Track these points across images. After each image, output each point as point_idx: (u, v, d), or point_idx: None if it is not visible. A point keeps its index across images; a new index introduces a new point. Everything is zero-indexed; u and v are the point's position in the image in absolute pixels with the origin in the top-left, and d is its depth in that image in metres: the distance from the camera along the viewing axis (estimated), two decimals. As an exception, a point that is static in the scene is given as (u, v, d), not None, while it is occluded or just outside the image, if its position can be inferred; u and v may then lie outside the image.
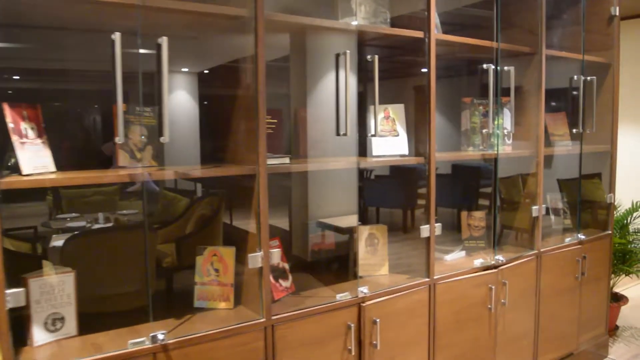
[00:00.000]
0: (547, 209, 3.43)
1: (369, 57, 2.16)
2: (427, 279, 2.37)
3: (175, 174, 1.79)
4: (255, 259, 1.84)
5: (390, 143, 2.41)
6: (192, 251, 2.05)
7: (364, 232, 2.48)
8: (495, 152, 2.87)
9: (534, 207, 2.88)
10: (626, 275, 3.92)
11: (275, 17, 1.89)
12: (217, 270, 1.97)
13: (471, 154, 2.82)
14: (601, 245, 3.42)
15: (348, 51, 2.10)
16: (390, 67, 2.88)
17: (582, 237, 3.21)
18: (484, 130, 2.80)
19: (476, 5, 3.09)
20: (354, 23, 2.22)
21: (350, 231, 2.58)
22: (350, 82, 2.12)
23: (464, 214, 2.98)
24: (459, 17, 3.14)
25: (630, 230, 4.07)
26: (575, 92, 3.18)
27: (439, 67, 2.77)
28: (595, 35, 3.40)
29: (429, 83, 2.31)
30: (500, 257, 2.69)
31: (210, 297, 1.97)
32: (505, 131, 2.90)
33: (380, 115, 2.44)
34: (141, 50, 1.62)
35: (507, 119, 2.94)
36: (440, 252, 2.76)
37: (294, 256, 2.71)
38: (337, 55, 2.14)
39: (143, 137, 1.81)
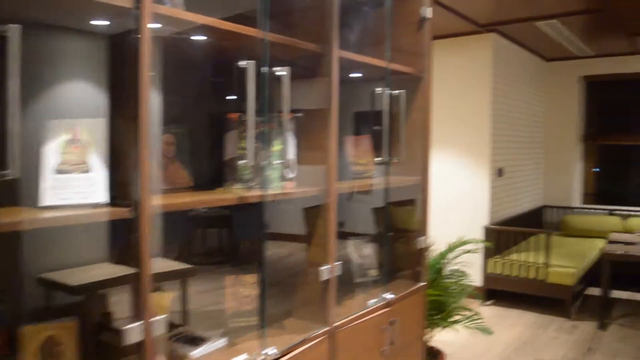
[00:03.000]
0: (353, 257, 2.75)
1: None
2: (140, 412, 1.44)
3: None
4: None
5: (78, 184, 1.45)
6: None
7: (37, 335, 1.48)
8: (274, 191, 2.06)
9: (324, 268, 2.11)
10: (443, 328, 3.37)
11: None
12: None
13: (229, 196, 1.93)
14: (414, 301, 2.78)
15: None
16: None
17: (391, 296, 2.53)
18: (243, 161, 1.95)
19: None
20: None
21: (89, 290, 1.74)
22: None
23: (229, 278, 2.12)
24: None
25: (446, 274, 3.55)
26: (379, 110, 2.50)
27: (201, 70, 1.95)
28: (404, 41, 2.78)
29: (136, 85, 1.40)
30: (272, 351, 1.86)
31: None
32: (285, 162, 2.10)
33: (64, 137, 1.48)
34: None
35: (290, 144, 2.15)
36: (185, 344, 1.86)
37: None
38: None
39: None
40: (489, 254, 5.69)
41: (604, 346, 4.55)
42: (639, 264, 5.30)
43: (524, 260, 5.49)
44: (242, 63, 1.69)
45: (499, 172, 6.07)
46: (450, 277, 3.51)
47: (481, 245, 5.55)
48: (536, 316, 5.41)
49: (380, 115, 2.45)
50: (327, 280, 2.13)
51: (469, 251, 3.53)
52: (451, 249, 3.47)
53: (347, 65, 2.37)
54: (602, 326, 5.01)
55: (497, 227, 5.83)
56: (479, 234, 5.76)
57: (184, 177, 2.10)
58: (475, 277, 5.72)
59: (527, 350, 4.48)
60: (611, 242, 5.65)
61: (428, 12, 2.74)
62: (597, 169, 7.95)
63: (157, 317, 1.48)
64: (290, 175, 2.14)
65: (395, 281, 2.87)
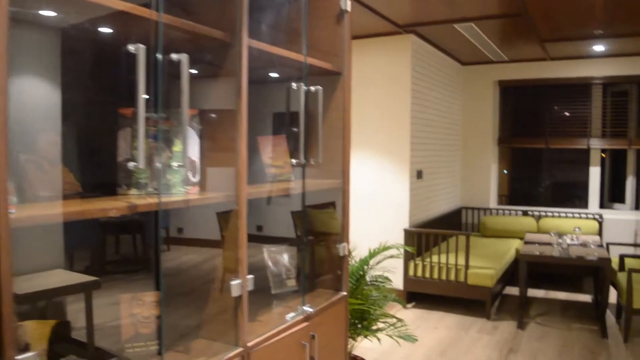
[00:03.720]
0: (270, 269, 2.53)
1: None
2: None
3: None
4: None
5: None
6: None
7: None
8: (175, 198, 1.82)
9: (234, 283, 1.88)
10: (365, 337, 3.20)
11: None
12: None
13: (118, 204, 1.65)
14: (335, 312, 2.60)
15: None
16: None
17: (310, 309, 2.33)
18: (133, 163, 1.68)
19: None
20: None
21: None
22: None
23: (125, 298, 1.85)
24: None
25: (368, 280, 3.39)
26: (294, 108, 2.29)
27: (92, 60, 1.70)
28: (322, 36, 2.60)
29: (-10, 68, 1.13)
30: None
31: None
32: (187, 164, 1.86)
33: None
34: None
35: (192, 143, 1.91)
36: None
37: None
38: None
39: None
40: (409, 256, 5.63)
41: (524, 346, 4.56)
42: (554, 264, 5.39)
43: (444, 262, 5.47)
44: (131, 48, 1.44)
45: (418, 175, 6.03)
46: (373, 283, 3.36)
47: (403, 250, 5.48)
48: (458, 317, 5.39)
49: (297, 114, 2.24)
50: (239, 297, 1.90)
51: (391, 256, 3.39)
52: (373, 254, 3.32)
53: (262, 63, 2.17)
54: (521, 326, 5.04)
55: (417, 229, 5.77)
56: (400, 237, 5.69)
57: (70, 182, 1.81)
58: (397, 280, 5.64)
59: (451, 353, 4.42)
60: (527, 242, 5.73)
61: (347, 4, 2.57)
62: (506, 171, 8.14)
63: (26, 355, 1.21)
64: (194, 180, 1.89)
65: (315, 291, 2.68)
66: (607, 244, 6.10)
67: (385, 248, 3.36)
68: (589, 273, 6.40)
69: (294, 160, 2.28)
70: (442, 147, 6.95)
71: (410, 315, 5.43)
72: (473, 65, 7.70)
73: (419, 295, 5.78)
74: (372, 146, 5.94)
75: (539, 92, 7.58)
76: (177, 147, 1.90)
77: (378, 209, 5.91)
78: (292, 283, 2.62)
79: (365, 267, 3.26)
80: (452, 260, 5.44)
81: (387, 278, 3.44)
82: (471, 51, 6.74)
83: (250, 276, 1.93)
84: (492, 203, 7.85)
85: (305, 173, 2.35)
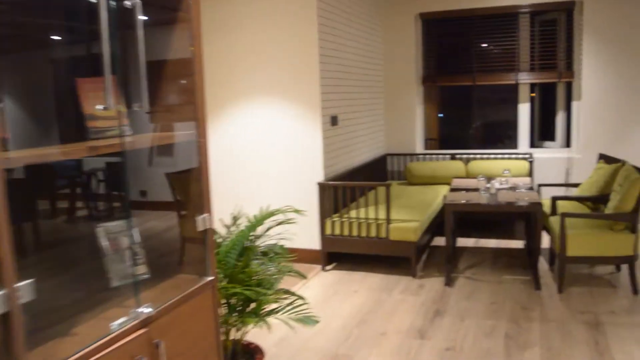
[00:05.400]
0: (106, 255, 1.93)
1: None
2: None
3: None
4: None
5: None
6: None
7: None
8: None
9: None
10: (255, 325, 2.67)
11: None
12: None
13: None
14: (196, 305, 2.05)
15: None
16: None
17: (148, 309, 1.76)
18: None
19: None
20: None
21: None
22: None
23: None
24: None
25: (260, 253, 2.84)
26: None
27: None
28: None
29: None
30: None
31: None
32: None
33: None
34: None
35: None
36: None
37: None
38: None
39: None
40: (325, 213, 5.13)
41: (451, 307, 4.19)
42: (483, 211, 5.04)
43: (364, 217, 5.00)
44: None
45: (333, 121, 5.48)
46: (264, 256, 2.82)
47: (315, 209, 4.98)
48: (381, 277, 4.97)
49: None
50: (7, 314, 1.30)
51: (280, 223, 2.84)
52: (256, 223, 2.76)
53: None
54: (449, 282, 4.68)
55: (333, 182, 5.26)
56: (315, 192, 5.18)
57: None
58: (313, 240, 5.16)
59: (371, 321, 3.98)
60: (453, 189, 5.34)
61: None
62: (441, 115, 7.76)
63: None
64: None
65: (174, 278, 2.12)
66: (539, 186, 5.80)
67: (270, 213, 2.80)
68: (521, 217, 6.13)
69: (100, 106, 1.66)
70: (361, 89, 6.40)
71: (330, 279, 4.98)
72: (392, -3, 7.13)
73: (340, 255, 5.33)
74: (278, 93, 5.31)
75: (464, 25, 7.10)
76: None
77: (290, 163, 5.35)
78: (142, 270, 2.04)
79: (250, 237, 2.70)
80: (372, 215, 4.98)
81: (282, 247, 2.90)
82: (387, -21, 6.15)
83: (26, 282, 1.33)
84: (419, 148, 7.44)
85: (130, 123, 1.74)
